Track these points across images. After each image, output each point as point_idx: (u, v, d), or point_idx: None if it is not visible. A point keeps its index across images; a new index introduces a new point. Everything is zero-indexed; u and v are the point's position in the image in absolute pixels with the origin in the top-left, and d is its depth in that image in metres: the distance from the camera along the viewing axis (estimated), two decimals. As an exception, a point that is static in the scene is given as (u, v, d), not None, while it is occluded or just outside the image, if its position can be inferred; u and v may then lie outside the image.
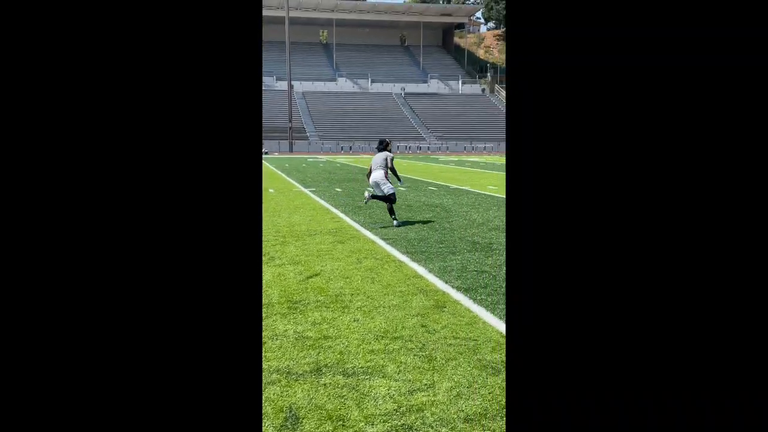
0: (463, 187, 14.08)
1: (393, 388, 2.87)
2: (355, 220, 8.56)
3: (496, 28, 77.62)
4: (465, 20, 66.46)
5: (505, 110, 54.61)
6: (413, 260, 5.80)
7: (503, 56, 68.56)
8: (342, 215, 9.12)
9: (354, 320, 3.92)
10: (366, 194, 8.45)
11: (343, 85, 57.43)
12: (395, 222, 8.03)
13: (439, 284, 4.86)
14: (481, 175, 19.04)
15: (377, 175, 7.98)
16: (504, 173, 19.57)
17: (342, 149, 45.31)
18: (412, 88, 57.90)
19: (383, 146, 8.20)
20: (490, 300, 4.38)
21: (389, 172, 8.04)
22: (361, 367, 3.12)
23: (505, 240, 6.91)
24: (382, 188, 7.95)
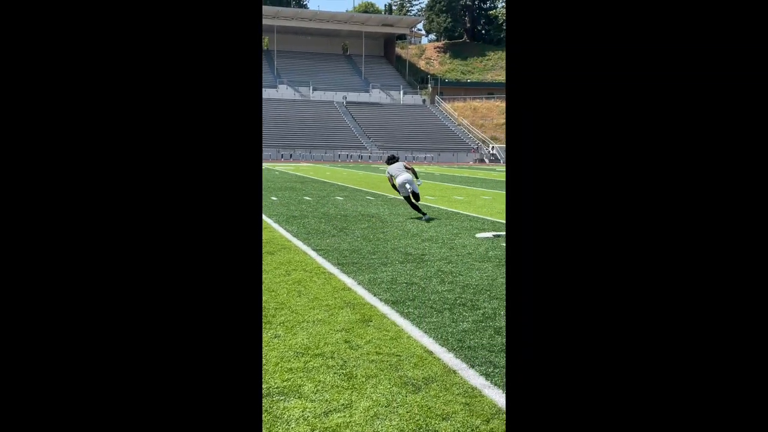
0: (401, 197, 14.09)
1: (308, 410, 2.75)
2: (287, 230, 8.38)
3: (436, 40, 78.94)
4: (407, 31, 67.26)
5: (444, 121, 55.49)
6: (343, 272, 5.71)
7: (444, 68, 69.82)
8: (275, 225, 8.92)
9: (275, 336, 3.77)
10: (423, 215, 9.92)
11: (285, 92, 56.89)
12: (425, 216, 9.62)
13: (368, 297, 4.78)
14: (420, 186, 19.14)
15: (407, 176, 9.66)
16: (442, 183, 19.79)
17: (282, 157, 44.77)
18: (353, 97, 57.99)
19: (395, 158, 10.22)
20: (417, 313, 4.33)
21: (412, 173, 9.80)
22: (277, 388, 2.99)
23: (435, 250, 6.93)
24: (414, 186, 9.65)
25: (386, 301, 4.64)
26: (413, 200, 9.73)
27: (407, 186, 9.59)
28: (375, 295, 4.82)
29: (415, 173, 9.90)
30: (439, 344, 3.66)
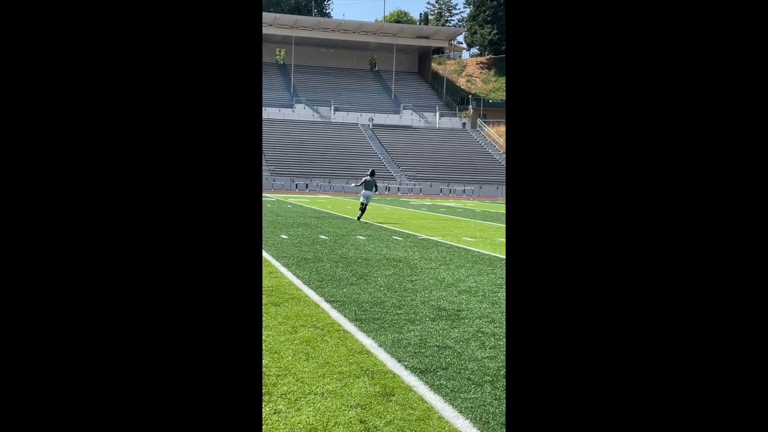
0: (434, 238, 13.97)
1: None
2: (298, 276, 8.27)
3: (480, 54, 79.84)
4: (444, 44, 68.24)
5: (487, 148, 55.66)
6: (362, 330, 5.54)
7: (487, 86, 70.38)
8: (283, 269, 8.83)
9: (274, 412, 3.60)
10: None
11: (302, 112, 57.85)
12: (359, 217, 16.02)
13: (390, 363, 4.59)
14: (457, 223, 19.02)
15: (369, 193, 15.58)
16: (484, 222, 19.62)
17: (296, 187, 45.21)
18: (381, 119, 58.67)
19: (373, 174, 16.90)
20: (450, 386, 4.12)
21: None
22: (272, 481, 2.80)
23: (474, 305, 6.73)
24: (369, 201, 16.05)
25: (413, 370, 4.45)
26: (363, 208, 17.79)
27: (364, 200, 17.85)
28: (399, 362, 4.64)
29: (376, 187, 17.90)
30: (478, 428, 3.47)
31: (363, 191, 17.94)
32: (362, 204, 17.93)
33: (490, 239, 14.22)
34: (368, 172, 18.51)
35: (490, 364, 4.64)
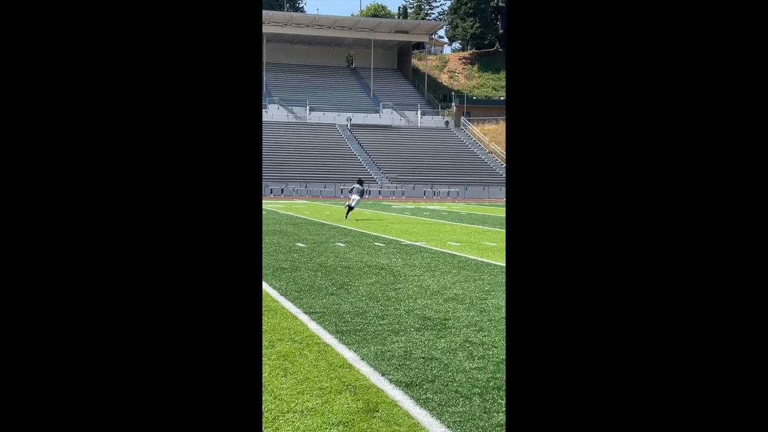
0: (418, 243, 14.00)
1: None
2: (274, 287, 8.25)
3: (462, 49, 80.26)
4: (425, 39, 68.54)
5: (472, 148, 55.87)
6: (343, 342, 5.53)
7: (471, 83, 70.74)
8: (258, 280, 8.79)
9: (251, 432, 3.58)
10: None
11: (275, 113, 57.76)
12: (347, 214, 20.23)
13: (373, 377, 4.59)
14: (442, 227, 19.08)
15: (357, 197, 18.48)
16: (470, 226, 19.69)
17: (271, 192, 45.09)
18: (360, 118, 58.76)
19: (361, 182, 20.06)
20: (437, 400, 4.13)
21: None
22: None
23: (461, 314, 6.74)
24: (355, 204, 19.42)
25: (398, 384, 4.45)
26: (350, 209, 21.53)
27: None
28: (383, 375, 4.64)
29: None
30: (467, 444, 3.46)
31: (353, 195, 21.67)
32: (350, 207, 21.62)
33: (476, 244, 14.27)
34: (356, 181, 22.77)
35: (478, 376, 4.65)
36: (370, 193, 45.87)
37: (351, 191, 22.01)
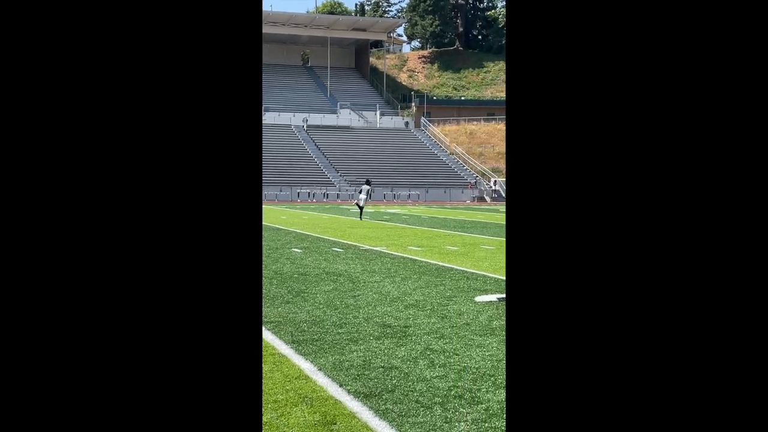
0: (377, 248, 14.02)
1: None
2: (227, 296, 8.17)
3: (421, 47, 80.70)
4: (383, 37, 68.74)
5: (432, 149, 56.16)
6: (299, 353, 5.51)
7: (431, 82, 71.16)
8: (210, 289, 8.70)
9: (202, 449, 3.54)
10: None
11: (228, 114, 57.22)
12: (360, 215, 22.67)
13: (331, 388, 4.58)
14: (402, 231, 19.13)
15: (363, 196, 23.47)
16: (431, 229, 19.79)
17: (225, 197, 44.62)
18: (316, 119, 58.62)
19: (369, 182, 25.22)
20: (397, 410, 4.14)
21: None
22: None
23: (422, 320, 6.77)
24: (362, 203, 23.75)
25: (356, 394, 4.45)
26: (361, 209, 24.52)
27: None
28: (341, 386, 4.63)
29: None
30: (428, 455, 3.47)
31: (361, 195, 24.87)
32: (359, 206, 24.86)
33: (438, 248, 14.35)
34: (365, 182, 26.31)
35: (440, 384, 4.67)
36: (327, 197, 45.79)
37: (359, 192, 25.24)
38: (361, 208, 24.60)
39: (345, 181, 49.67)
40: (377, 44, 71.66)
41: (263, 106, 57.92)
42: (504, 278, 9.85)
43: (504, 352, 5.57)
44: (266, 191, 46.13)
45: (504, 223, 23.67)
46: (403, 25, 77.60)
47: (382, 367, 5.12)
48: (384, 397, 4.41)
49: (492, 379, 4.82)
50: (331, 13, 74.63)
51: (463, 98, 68.35)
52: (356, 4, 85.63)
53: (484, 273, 10.43)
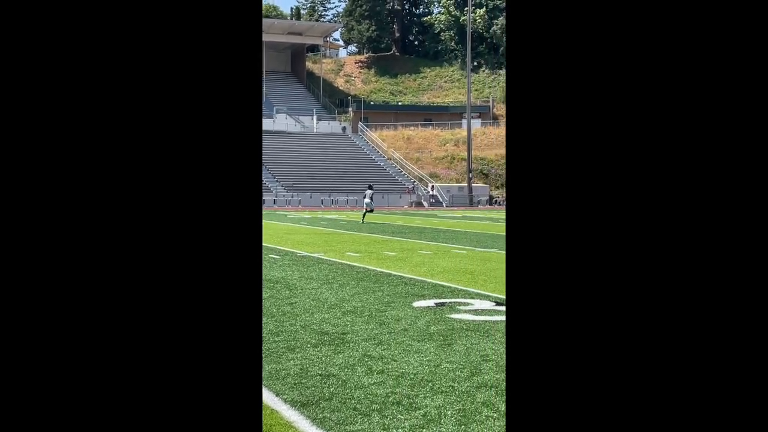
0: (315, 254, 13.95)
1: None
2: (160, 305, 8.00)
3: (358, 52, 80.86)
4: (320, 42, 68.65)
5: (370, 154, 56.28)
6: (235, 363, 5.42)
7: (368, 87, 71.36)
8: (142, 298, 8.50)
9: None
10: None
11: (160, 118, 56.16)
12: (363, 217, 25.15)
13: (267, 397, 4.53)
14: (340, 237, 19.10)
15: (367, 200, 27.01)
16: (369, 235, 19.81)
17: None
18: (252, 124, 57.91)
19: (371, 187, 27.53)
20: (334, 418, 4.11)
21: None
22: None
23: (359, 327, 6.77)
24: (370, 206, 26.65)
25: (293, 403, 4.42)
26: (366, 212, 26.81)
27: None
28: (277, 395, 4.59)
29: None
30: (366, 463, 3.46)
31: (367, 200, 27.45)
32: (368, 210, 27.32)
33: (376, 253, 14.37)
34: (367, 186, 29.18)
35: (377, 391, 4.67)
36: (264, 203, 45.35)
37: (365, 196, 27.89)
38: (368, 212, 27.18)
39: (282, 186, 49.30)
40: (313, 48, 71.46)
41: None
42: (442, 283, 9.95)
43: (441, 357, 5.61)
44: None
45: (442, 228, 23.91)
46: (340, 29, 77.64)
47: (320, 374, 5.09)
48: (321, 405, 4.38)
49: (430, 384, 4.84)
50: (266, 16, 74.01)
51: (400, 103, 68.74)
52: (292, 8, 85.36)
53: (422, 278, 10.49)
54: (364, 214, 26.90)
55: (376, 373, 5.13)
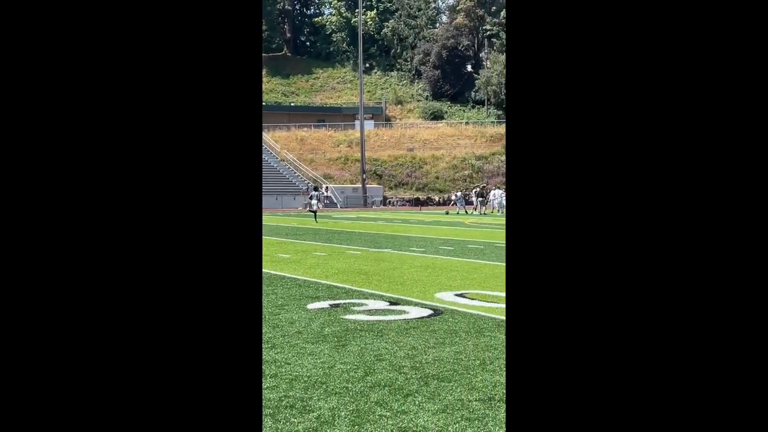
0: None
1: None
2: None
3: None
4: (209, 41, 67.07)
5: (264, 155, 55.68)
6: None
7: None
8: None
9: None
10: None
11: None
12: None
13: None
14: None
15: (314, 202, 28.02)
16: (264, 237, 19.54)
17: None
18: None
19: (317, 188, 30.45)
20: None
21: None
22: None
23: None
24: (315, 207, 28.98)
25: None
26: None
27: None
28: (166, 405, 4.43)
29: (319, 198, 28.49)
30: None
31: (313, 201, 29.34)
32: (313, 210, 29.31)
33: (269, 256, 14.22)
34: (313, 188, 31.21)
35: (270, 395, 4.62)
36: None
37: (311, 197, 29.70)
38: (314, 212, 29.20)
39: (171, 189, 47.96)
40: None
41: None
42: (336, 284, 9.95)
43: (335, 358, 5.61)
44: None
45: (336, 229, 23.93)
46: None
47: (211, 381, 4.98)
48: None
49: (323, 386, 4.83)
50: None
51: (292, 104, 68.31)
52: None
53: (317, 280, 10.46)
54: (315, 215, 29.02)
55: (269, 377, 5.07)
